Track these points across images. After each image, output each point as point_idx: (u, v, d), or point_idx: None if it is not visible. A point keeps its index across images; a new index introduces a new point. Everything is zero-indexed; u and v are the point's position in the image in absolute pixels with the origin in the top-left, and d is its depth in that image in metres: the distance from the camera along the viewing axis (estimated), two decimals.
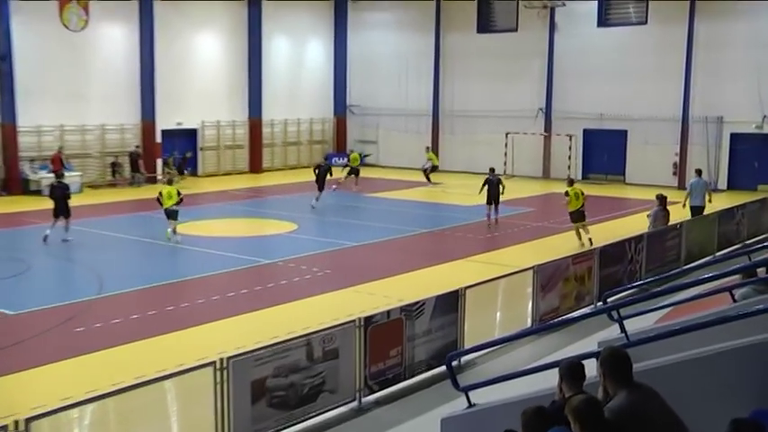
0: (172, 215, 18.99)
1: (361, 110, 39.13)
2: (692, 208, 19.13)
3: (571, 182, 19.64)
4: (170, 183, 20.14)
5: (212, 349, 10.48)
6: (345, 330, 8.82)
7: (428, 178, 31.14)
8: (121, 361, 10.44)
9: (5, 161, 27.37)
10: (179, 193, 19.26)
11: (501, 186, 21.58)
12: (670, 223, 15.89)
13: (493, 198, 21.43)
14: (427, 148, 31.85)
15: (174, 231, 18.85)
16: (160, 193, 19.25)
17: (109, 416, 6.83)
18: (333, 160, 38.67)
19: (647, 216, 16.03)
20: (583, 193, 18.70)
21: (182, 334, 11.70)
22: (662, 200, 15.95)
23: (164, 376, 7.31)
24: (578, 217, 18.58)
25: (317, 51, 38.76)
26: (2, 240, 19.74)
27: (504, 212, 23.20)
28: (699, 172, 20.36)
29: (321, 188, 24.98)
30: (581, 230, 18.52)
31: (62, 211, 18.62)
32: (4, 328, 12.04)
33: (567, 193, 18.69)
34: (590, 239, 18.16)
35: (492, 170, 22.22)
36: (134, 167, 30.48)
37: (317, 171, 25.51)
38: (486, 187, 21.47)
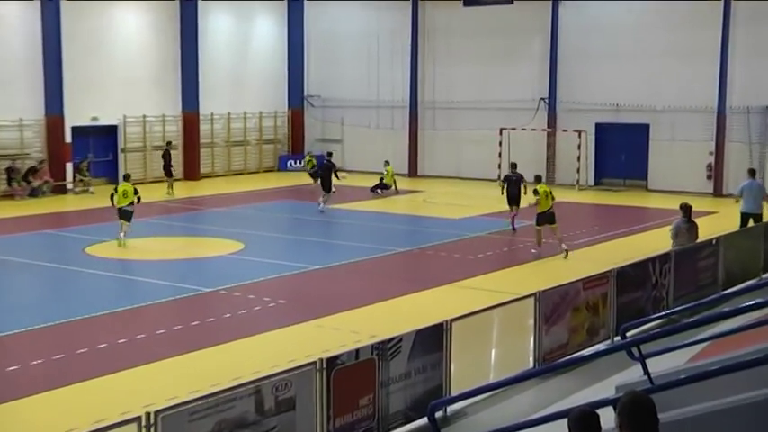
0: (125, 216, 20.40)
1: (321, 101, 39.23)
2: (742, 215, 19.35)
3: (539, 179, 20.95)
4: (127, 178, 21.81)
5: (137, 401, 10.34)
6: (303, 375, 8.77)
7: (383, 187, 30.92)
8: (23, 418, 10.27)
9: None
10: (136, 191, 20.97)
11: (522, 186, 22.53)
12: (702, 239, 16.04)
13: (513, 200, 22.49)
14: (386, 162, 31.62)
15: (124, 235, 20.43)
16: (115, 190, 20.98)
17: None
18: (287, 164, 38.80)
19: (670, 230, 16.18)
20: (551, 193, 20.23)
21: (99, 382, 11.54)
22: (686, 210, 15.99)
23: None
24: (547, 219, 19.87)
25: (266, 29, 38.83)
26: None
27: (500, 226, 23.31)
28: (752, 172, 20.63)
29: (329, 189, 26.58)
30: (555, 234, 19.94)
31: None
32: None
33: (536, 192, 19.90)
34: (566, 250, 19.53)
35: (514, 165, 23.63)
36: (30, 173, 30.12)
37: (316, 170, 28.01)
38: (505, 186, 22.87)
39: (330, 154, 29.63)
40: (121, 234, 20.34)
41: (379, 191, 30.26)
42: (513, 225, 22.67)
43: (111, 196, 20.93)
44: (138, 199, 20.94)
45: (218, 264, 19.48)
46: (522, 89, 34.13)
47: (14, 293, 16.86)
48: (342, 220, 25.69)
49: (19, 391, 11.12)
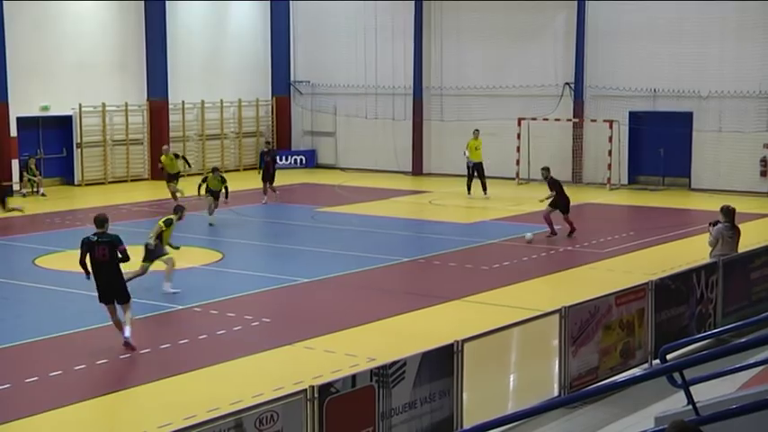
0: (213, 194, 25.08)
1: (310, 88, 39.33)
2: None
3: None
4: (215, 172, 25.79)
5: None
6: (292, 405, 8.80)
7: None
8: None
9: None
10: (223, 180, 25.38)
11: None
12: (756, 246, 16.04)
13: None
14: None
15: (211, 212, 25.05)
16: (204, 180, 25.29)
17: None
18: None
19: (710, 237, 16.17)
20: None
21: (60, 413, 11.60)
22: (730, 213, 15.93)
23: None
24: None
25: (246, 5, 38.91)
26: None
27: (519, 232, 23.35)
28: None
29: (272, 181, 29.11)
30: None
31: None
32: None
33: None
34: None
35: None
36: None
37: (266, 160, 29.42)
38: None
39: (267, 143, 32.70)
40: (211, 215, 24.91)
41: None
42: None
43: (200, 186, 25.05)
44: (227, 192, 25.06)
45: (193, 276, 19.47)
46: (543, 73, 34.19)
47: None
48: (336, 225, 25.73)
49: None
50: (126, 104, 34.86)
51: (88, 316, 16.07)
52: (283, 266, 20.12)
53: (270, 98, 39.72)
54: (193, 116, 37.22)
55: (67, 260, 20.63)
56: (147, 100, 35.37)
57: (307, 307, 17.10)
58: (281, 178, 34.88)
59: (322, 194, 31.84)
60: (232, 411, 8.51)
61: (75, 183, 33.79)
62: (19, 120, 31.71)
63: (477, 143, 30.06)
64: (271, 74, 39.59)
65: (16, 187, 31.32)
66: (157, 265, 17.66)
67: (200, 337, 14.94)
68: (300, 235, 24.28)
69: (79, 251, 13.76)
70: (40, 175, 31.91)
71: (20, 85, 31.32)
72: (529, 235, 22.09)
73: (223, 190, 25.11)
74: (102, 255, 13.60)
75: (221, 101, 37.82)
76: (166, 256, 17.61)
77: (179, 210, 18.40)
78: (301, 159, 39.27)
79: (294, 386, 10.57)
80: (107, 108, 34.36)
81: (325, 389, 9.09)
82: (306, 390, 8.88)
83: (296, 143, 40.06)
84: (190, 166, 30.88)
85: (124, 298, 13.93)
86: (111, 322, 14.25)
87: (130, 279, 16.20)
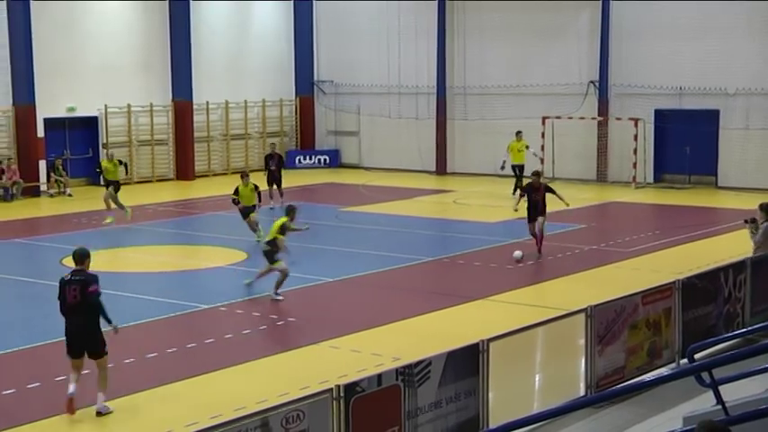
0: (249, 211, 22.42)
1: (334, 87, 39.37)
2: None
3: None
4: (244, 177, 23.06)
5: None
6: (318, 404, 8.81)
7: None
8: None
9: None
10: (256, 188, 22.89)
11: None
12: None
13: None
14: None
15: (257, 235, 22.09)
16: (236, 192, 22.68)
17: None
18: (296, 160, 38.96)
19: (751, 232, 16.10)
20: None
21: (82, 415, 11.62)
22: None
23: None
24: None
25: (269, 6, 39.01)
26: None
27: (547, 231, 23.27)
28: None
29: (279, 184, 28.12)
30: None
31: None
32: None
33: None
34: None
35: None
36: None
37: (270, 164, 28.27)
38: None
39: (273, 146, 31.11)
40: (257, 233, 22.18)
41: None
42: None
43: (233, 200, 22.76)
44: (259, 197, 23.10)
45: (218, 276, 19.57)
46: (567, 71, 34.10)
47: None
48: (360, 224, 25.75)
49: None
50: (151, 105, 35.04)
51: (115, 316, 16.14)
52: (308, 266, 20.11)
53: (293, 98, 39.81)
54: (218, 116, 37.38)
55: (95, 260, 20.78)
56: (172, 100, 35.54)
57: (332, 306, 17.13)
58: (305, 178, 35.09)
59: (346, 194, 31.87)
60: (258, 410, 8.53)
61: (101, 183, 33.91)
62: (46, 121, 31.96)
63: (520, 145, 29.57)
64: (294, 74, 39.68)
65: (43, 188, 31.59)
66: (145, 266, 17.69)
67: (226, 336, 15.00)
68: (325, 235, 24.28)
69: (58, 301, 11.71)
70: (67, 175, 32.16)
71: (46, 87, 31.56)
72: (518, 253, 20.13)
73: (256, 197, 22.86)
74: (73, 296, 11.39)
75: (245, 101, 37.94)
76: (279, 264, 17.04)
77: (291, 210, 17.52)
78: (325, 159, 39.33)
79: (320, 385, 10.59)
80: (132, 109, 34.55)
81: (350, 388, 9.09)
82: (332, 389, 8.90)
83: (319, 143, 40.12)
84: (127, 173, 28.60)
85: (98, 351, 11.54)
86: (143, 321, 14.17)
87: (261, 276, 16.98)
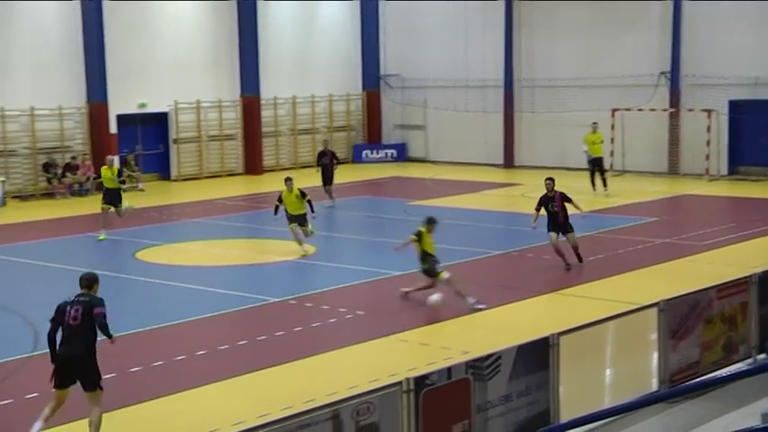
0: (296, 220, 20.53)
1: (400, 81, 39.35)
2: None
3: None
4: (288, 182, 20.90)
5: (199, 425, 10.59)
6: (388, 397, 8.84)
7: None
8: None
9: None
10: (304, 195, 20.69)
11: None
12: None
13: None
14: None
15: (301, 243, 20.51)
16: (279, 199, 20.82)
17: None
18: (363, 155, 39.02)
19: None
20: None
21: (158, 404, 11.84)
22: None
23: None
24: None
25: (335, 1, 39.10)
26: None
27: (614, 224, 23.03)
28: None
29: (331, 182, 27.36)
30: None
31: None
32: None
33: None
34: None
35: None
36: (71, 169, 30.98)
37: (323, 161, 27.63)
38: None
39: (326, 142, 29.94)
40: (302, 246, 20.49)
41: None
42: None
43: (276, 207, 20.89)
44: (311, 205, 20.71)
45: (287, 270, 19.71)
46: (638, 62, 33.60)
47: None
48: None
49: (68, 414, 11.46)
50: (220, 101, 35.41)
51: (188, 308, 16.42)
52: (377, 260, 20.18)
53: (360, 92, 39.89)
54: (285, 111, 37.61)
55: (167, 254, 21.21)
56: (241, 96, 35.86)
57: (400, 301, 17.11)
58: (372, 172, 35.19)
59: (413, 188, 31.87)
60: (329, 403, 8.58)
61: (172, 178, 34.47)
62: (118, 117, 32.51)
63: (596, 137, 29.01)
64: (361, 68, 39.76)
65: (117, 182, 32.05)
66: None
67: (296, 329, 15.10)
68: (393, 228, 24.28)
69: (50, 324, 10.48)
70: (139, 170, 32.66)
71: (119, 84, 32.12)
72: (435, 297, 15.88)
73: (307, 206, 20.85)
74: (74, 318, 10.30)
75: (312, 96, 38.12)
76: (442, 275, 16.16)
77: (430, 222, 16.60)
78: (392, 153, 39.35)
79: (389, 378, 10.62)
80: (202, 104, 34.95)
81: (420, 381, 9.11)
82: (402, 382, 8.92)
83: (386, 137, 40.15)
84: (124, 183, 25.27)
85: (92, 383, 10.35)
86: (213, 314, 14.21)
87: (418, 290, 16.05)
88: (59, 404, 10.36)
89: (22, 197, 29.99)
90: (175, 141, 34.48)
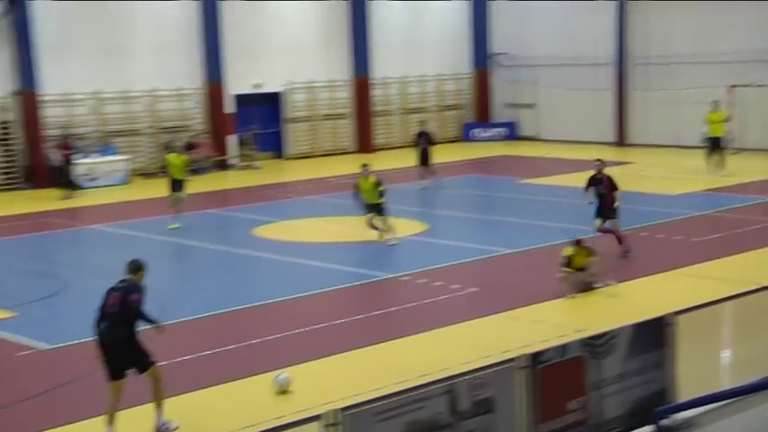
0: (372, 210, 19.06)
1: (510, 60, 38.93)
2: None
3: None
4: (364, 169, 19.47)
5: (316, 397, 10.73)
6: (503, 373, 8.78)
7: None
8: (199, 411, 10.89)
9: (28, 142, 29.07)
10: (379, 184, 19.02)
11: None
12: None
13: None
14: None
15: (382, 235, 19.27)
16: (356, 187, 19.27)
17: None
18: (472, 133, 38.84)
19: None
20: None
21: (272, 377, 12.02)
22: None
23: None
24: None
25: None
26: (29, 249, 21.02)
27: (731, 203, 22.42)
28: None
29: (428, 162, 26.60)
30: None
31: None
32: (39, 367, 12.80)
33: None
34: None
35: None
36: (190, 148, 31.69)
37: (420, 141, 26.98)
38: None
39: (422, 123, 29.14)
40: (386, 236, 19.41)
41: None
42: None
43: (355, 194, 19.65)
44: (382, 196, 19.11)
45: (399, 246, 19.77)
46: (757, 37, 32.51)
47: (180, 279, 17.80)
48: (537, 196, 25.46)
49: (189, 383, 11.75)
50: (332, 81, 35.67)
51: (302, 283, 16.63)
52: (488, 237, 20.09)
53: (470, 71, 39.65)
54: (395, 90, 37.66)
55: (281, 230, 21.52)
56: (352, 76, 36.04)
57: (512, 278, 17.03)
58: (481, 150, 35.02)
59: (523, 166, 31.59)
60: (445, 377, 8.58)
61: (286, 156, 34.93)
62: (235, 97, 33.05)
63: (716, 116, 27.73)
64: (471, 47, 39.50)
65: (233, 161, 32.73)
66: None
67: (409, 304, 15.14)
68: (504, 206, 24.20)
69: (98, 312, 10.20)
70: (255, 149, 33.20)
71: (235, 65, 32.65)
72: (282, 378, 11.53)
73: (381, 199, 19.24)
74: (112, 304, 9.97)
75: (422, 75, 38.10)
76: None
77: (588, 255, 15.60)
78: (502, 132, 39.07)
79: (502, 355, 10.56)
80: (314, 85, 35.27)
81: (536, 357, 9.04)
82: (517, 358, 8.86)
83: (496, 115, 39.87)
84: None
85: (142, 364, 10.08)
86: (327, 289, 14.29)
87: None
88: (117, 396, 9.95)
89: (145, 174, 30.80)
90: (288, 121, 34.89)
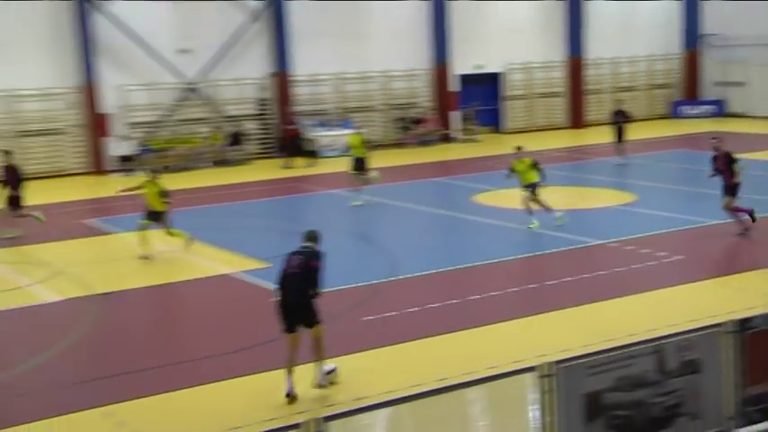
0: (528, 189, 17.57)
1: (722, 40, 36.81)
2: None
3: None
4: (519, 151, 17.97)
5: (529, 350, 10.62)
6: (709, 337, 8.35)
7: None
8: (419, 359, 11.01)
9: (281, 116, 30.29)
10: (535, 164, 17.67)
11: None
12: None
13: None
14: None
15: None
16: (511, 169, 17.78)
17: (405, 423, 7.19)
18: (680, 110, 37.20)
19: None
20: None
21: (490, 329, 12.00)
22: None
23: (475, 380, 7.53)
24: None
25: None
26: (280, 209, 21.98)
27: None
28: None
29: (621, 139, 25.49)
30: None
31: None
32: None
33: None
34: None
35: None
36: (417, 122, 32.08)
37: (617, 119, 25.71)
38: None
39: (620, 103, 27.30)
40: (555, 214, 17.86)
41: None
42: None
43: (508, 175, 18.05)
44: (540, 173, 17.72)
45: (608, 215, 19.26)
46: None
47: (409, 239, 18.05)
48: (747, 170, 23.96)
49: (416, 332, 11.93)
50: (548, 62, 35.09)
51: (518, 246, 16.49)
52: (695, 208, 19.19)
53: (680, 51, 37.89)
54: (607, 71, 36.61)
55: (498, 197, 21.40)
56: (567, 57, 35.31)
57: (718, 247, 16.18)
58: (689, 127, 33.43)
59: (732, 141, 29.69)
60: (652, 338, 8.26)
61: (503, 130, 34.75)
62: (458, 77, 33.13)
63: None
64: (682, 28, 37.73)
65: (455, 135, 32.89)
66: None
67: (617, 269, 14.70)
68: (712, 180, 22.95)
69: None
70: (476, 123, 33.26)
71: (460, 48, 32.70)
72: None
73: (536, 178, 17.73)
74: (297, 266, 9.91)
75: (633, 56, 36.89)
76: None
77: None
78: (710, 109, 37.18)
79: (708, 320, 10.05)
80: (531, 65, 34.79)
81: (743, 323, 8.54)
82: (724, 323, 8.40)
83: (705, 93, 37.95)
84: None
85: (311, 322, 9.93)
86: (540, 252, 14.05)
87: None
88: (295, 347, 9.86)
89: (379, 146, 31.43)
90: (506, 98, 34.64)
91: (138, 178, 20.67)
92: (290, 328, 9.85)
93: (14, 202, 18.89)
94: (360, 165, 20.92)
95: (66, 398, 10.13)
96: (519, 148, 18.21)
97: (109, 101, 27.91)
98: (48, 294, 14.43)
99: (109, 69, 27.81)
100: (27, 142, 27.17)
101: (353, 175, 21.05)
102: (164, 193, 16.43)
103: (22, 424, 9.34)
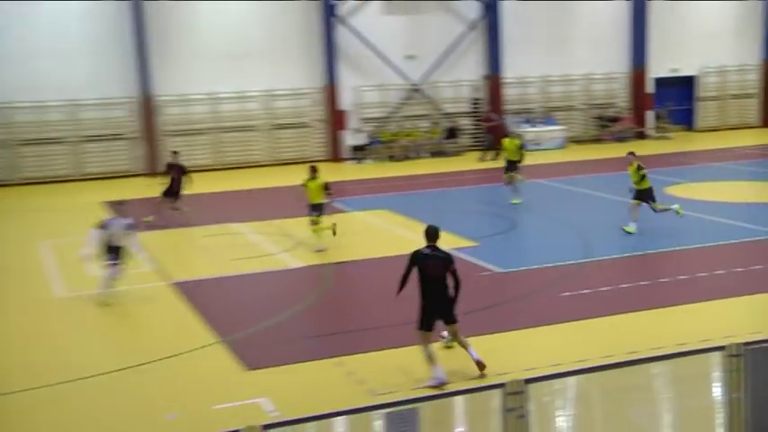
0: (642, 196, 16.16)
1: None
2: None
3: None
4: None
5: (715, 331, 10.04)
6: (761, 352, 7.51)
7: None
8: (610, 333, 10.66)
9: (485, 113, 30.17)
10: (640, 168, 16.07)
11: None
12: None
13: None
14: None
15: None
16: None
17: (593, 391, 6.99)
18: None
19: None
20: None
21: (679, 310, 11.43)
22: None
23: (664, 355, 7.21)
24: None
25: None
26: (487, 195, 21.92)
27: None
28: None
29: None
30: None
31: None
32: (494, 285, 13.32)
33: None
34: None
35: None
36: (614, 120, 30.94)
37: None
38: None
39: None
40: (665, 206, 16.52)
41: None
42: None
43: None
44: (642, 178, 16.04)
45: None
46: None
47: (601, 225, 17.48)
48: None
49: (609, 309, 11.58)
50: (743, 65, 32.77)
51: (710, 235, 15.56)
52: None
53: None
54: None
55: (689, 190, 20.27)
56: (764, 60, 32.88)
57: None
58: None
59: None
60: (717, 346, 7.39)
61: (695, 129, 32.87)
62: (654, 80, 31.68)
63: None
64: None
65: (650, 132, 31.48)
66: None
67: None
68: None
69: (406, 264, 9.46)
70: (669, 122, 31.73)
71: (656, 51, 31.25)
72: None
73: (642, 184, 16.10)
74: (437, 271, 9.32)
75: None
76: None
77: None
78: None
79: None
80: (726, 69, 32.63)
81: None
82: None
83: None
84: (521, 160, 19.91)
85: (451, 318, 9.47)
86: (730, 241, 13.20)
87: None
88: (428, 340, 9.41)
89: (579, 141, 30.69)
90: (699, 99, 32.70)
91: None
92: (428, 325, 9.39)
93: (171, 193, 18.90)
94: (511, 167, 19.94)
95: (308, 347, 10.62)
96: (631, 154, 16.55)
97: (346, 99, 28.88)
98: (292, 261, 15.16)
99: (347, 72, 28.76)
100: (279, 133, 28.66)
101: (504, 175, 20.06)
102: (326, 186, 15.91)
103: (276, 366, 9.88)
